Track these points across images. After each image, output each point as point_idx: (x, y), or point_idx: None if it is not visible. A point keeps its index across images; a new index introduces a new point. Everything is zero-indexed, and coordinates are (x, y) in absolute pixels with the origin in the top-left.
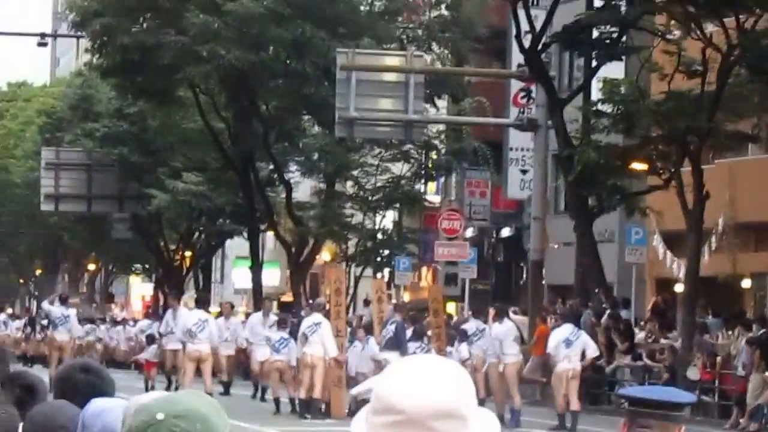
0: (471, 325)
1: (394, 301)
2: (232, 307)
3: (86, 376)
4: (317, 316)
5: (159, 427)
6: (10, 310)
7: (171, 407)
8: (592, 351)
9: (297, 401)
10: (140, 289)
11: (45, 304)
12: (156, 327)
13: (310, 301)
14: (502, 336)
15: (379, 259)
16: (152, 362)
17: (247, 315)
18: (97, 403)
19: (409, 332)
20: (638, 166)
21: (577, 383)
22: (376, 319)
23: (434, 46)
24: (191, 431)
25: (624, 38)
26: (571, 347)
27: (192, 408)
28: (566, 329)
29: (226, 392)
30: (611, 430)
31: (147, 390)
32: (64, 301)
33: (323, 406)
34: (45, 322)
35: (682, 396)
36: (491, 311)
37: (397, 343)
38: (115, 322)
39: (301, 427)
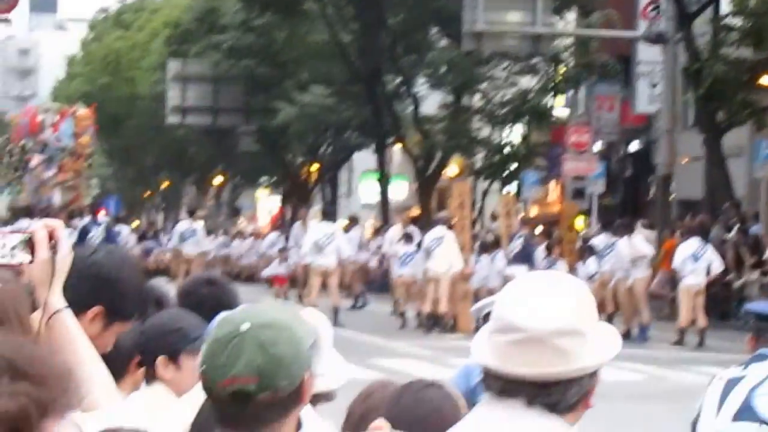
0: (600, 240)
1: (521, 215)
2: (353, 220)
3: (210, 289)
4: (440, 230)
5: (244, 337)
6: (136, 222)
7: (256, 318)
8: (717, 266)
9: (423, 316)
10: (267, 202)
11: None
12: (283, 241)
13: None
14: (630, 251)
15: (506, 173)
16: (284, 277)
17: (376, 229)
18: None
19: (541, 246)
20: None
21: (702, 299)
22: (504, 234)
23: None
24: (277, 341)
25: None
26: (697, 262)
27: (277, 318)
28: (693, 244)
29: (355, 306)
30: (739, 346)
31: None
32: (191, 214)
33: (451, 321)
34: (169, 237)
35: None
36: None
37: (524, 257)
38: (242, 236)
39: (427, 341)
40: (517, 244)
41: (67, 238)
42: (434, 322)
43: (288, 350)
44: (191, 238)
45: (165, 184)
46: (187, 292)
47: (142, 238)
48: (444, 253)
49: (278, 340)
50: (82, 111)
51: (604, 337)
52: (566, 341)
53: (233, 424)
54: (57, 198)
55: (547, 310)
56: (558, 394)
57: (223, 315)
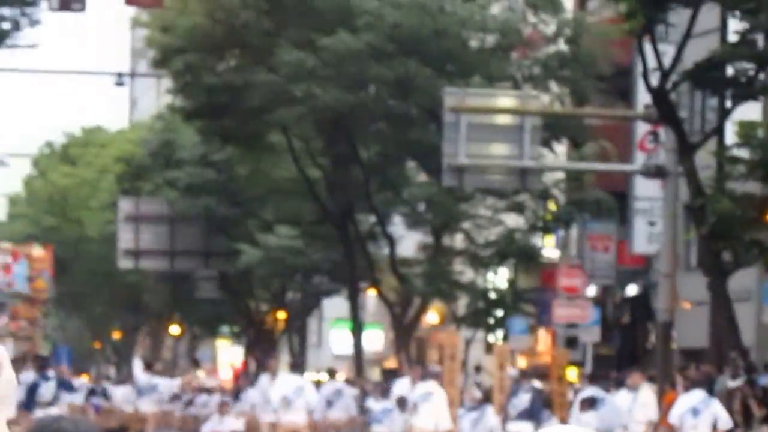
0: (588, 393)
1: (516, 368)
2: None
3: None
4: (431, 384)
5: None
6: (85, 376)
7: None
8: (725, 423)
9: None
10: (228, 354)
11: (136, 364)
12: (245, 395)
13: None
14: (647, 398)
15: (491, 320)
16: None
17: (348, 382)
18: None
19: None
20: None
21: None
22: (497, 387)
23: (552, 85)
24: None
25: (762, 76)
26: (698, 417)
27: None
28: (695, 396)
29: None
30: None
31: None
32: (148, 367)
33: None
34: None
35: None
36: (635, 376)
37: (532, 414)
38: (204, 391)
39: None
40: (522, 399)
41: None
42: None
43: None
44: (149, 395)
45: (117, 335)
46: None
47: (91, 393)
48: (432, 410)
49: None
50: (38, 251)
51: None
52: None
53: None
54: (9, 349)
55: None
56: None
57: None
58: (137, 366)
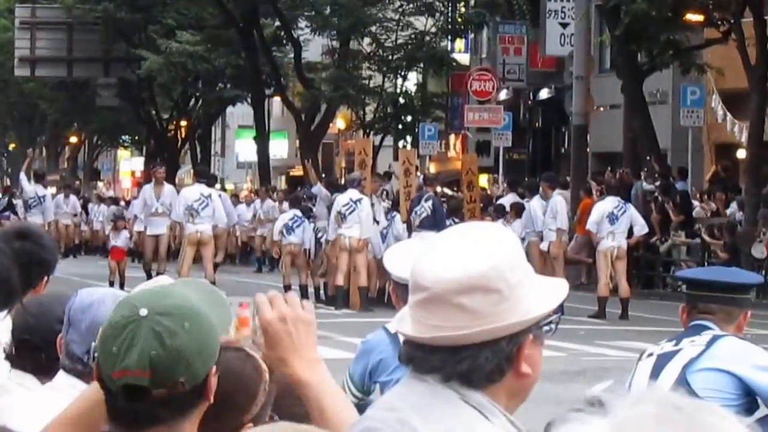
0: (508, 200)
1: (421, 174)
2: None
3: (22, 243)
4: (354, 193)
5: (140, 324)
6: None
7: (157, 301)
8: (640, 228)
9: (318, 290)
10: (130, 164)
11: (22, 177)
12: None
13: (323, 175)
14: (558, 207)
15: (400, 126)
16: (122, 250)
17: (255, 192)
18: (82, 296)
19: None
20: (694, 17)
21: (624, 264)
22: (403, 194)
23: None
24: (177, 331)
25: None
26: (616, 223)
27: (181, 303)
28: (610, 202)
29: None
30: (667, 317)
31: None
32: (40, 178)
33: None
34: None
35: (748, 277)
36: (544, 186)
37: (435, 222)
38: (100, 200)
39: (323, 319)
40: (425, 207)
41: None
42: (343, 298)
43: (190, 342)
44: (37, 207)
45: (12, 146)
46: None
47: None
48: (359, 219)
49: (179, 330)
50: None
51: (534, 293)
52: (474, 299)
53: (124, 422)
54: None
55: (450, 264)
56: (468, 362)
57: (124, 295)
58: (23, 178)
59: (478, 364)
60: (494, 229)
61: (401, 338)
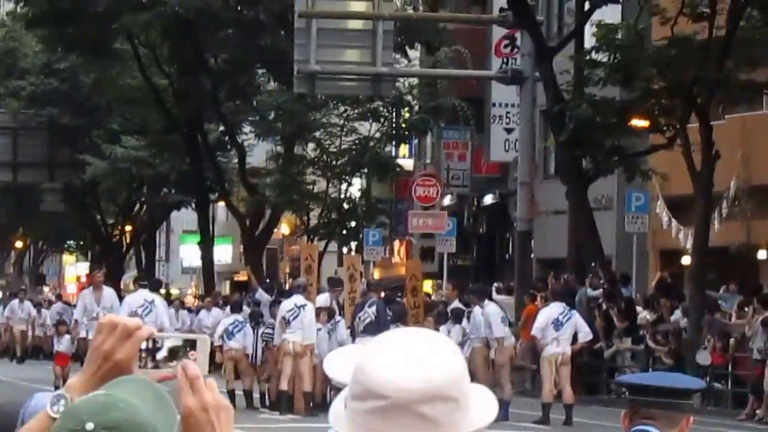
0: (455, 306)
1: (365, 279)
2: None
3: None
4: (299, 298)
5: None
6: None
7: (104, 415)
8: (585, 335)
9: (264, 395)
10: (75, 269)
11: None
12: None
13: (267, 280)
14: (490, 317)
15: (345, 232)
16: (66, 355)
17: (200, 298)
18: (38, 399)
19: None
20: (639, 122)
21: (568, 370)
22: (348, 300)
23: None
24: None
25: None
26: (561, 329)
27: (128, 417)
28: (555, 308)
29: None
30: (611, 423)
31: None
32: None
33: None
34: None
35: (691, 382)
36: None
37: (379, 327)
38: (38, 305)
39: (268, 424)
40: (369, 312)
41: None
42: (286, 403)
43: None
44: None
45: None
46: None
47: None
48: (302, 324)
49: None
50: None
51: (479, 402)
52: (435, 408)
53: None
54: None
55: (411, 372)
56: None
57: (66, 407)
58: None
59: None
60: (437, 335)
61: None
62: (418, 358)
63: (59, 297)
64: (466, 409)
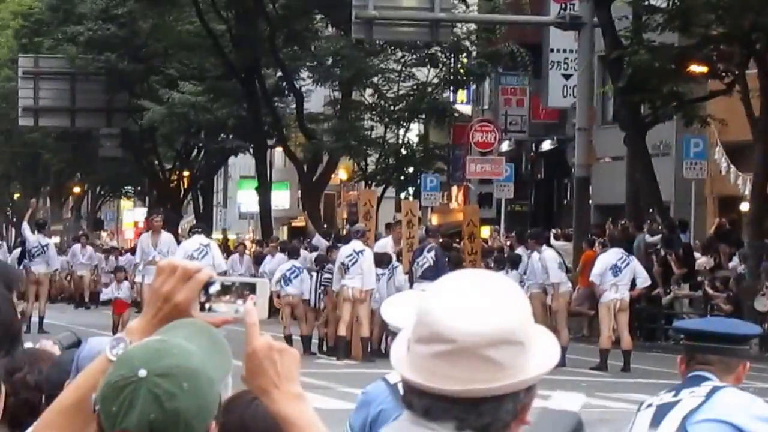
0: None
1: (424, 225)
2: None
3: None
4: (358, 244)
5: (139, 385)
6: None
7: (157, 362)
8: (643, 280)
9: (322, 340)
10: (132, 214)
11: (25, 227)
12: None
13: (325, 226)
14: (547, 262)
15: (402, 177)
16: (124, 302)
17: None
18: (91, 344)
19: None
20: (697, 68)
21: (626, 316)
22: (405, 245)
23: None
24: (175, 393)
25: None
26: (619, 275)
27: (180, 363)
28: (614, 254)
29: None
30: (669, 369)
31: None
32: (41, 228)
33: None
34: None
35: (748, 328)
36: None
37: (437, 273)
38: (104, 251)
39: (315, 368)
40: (427, 257)
41: None
42: (344, 349)
43: (188, 404)
44: (40, 256)
45: (16, 196)
46: None
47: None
48: (362, 270)
49: (178, 392)
50: None
51: (543, 345)
52: (501, 352)
53: None
54: None
55: (478, 316)
56: (490, 415)
57: (122, 352)
58: (26, 228)
59: (498, 416)
60: (503, 279)
61: (401, 389)
62: (484, 301)
63: (112, 249)
64: (530, 353)
